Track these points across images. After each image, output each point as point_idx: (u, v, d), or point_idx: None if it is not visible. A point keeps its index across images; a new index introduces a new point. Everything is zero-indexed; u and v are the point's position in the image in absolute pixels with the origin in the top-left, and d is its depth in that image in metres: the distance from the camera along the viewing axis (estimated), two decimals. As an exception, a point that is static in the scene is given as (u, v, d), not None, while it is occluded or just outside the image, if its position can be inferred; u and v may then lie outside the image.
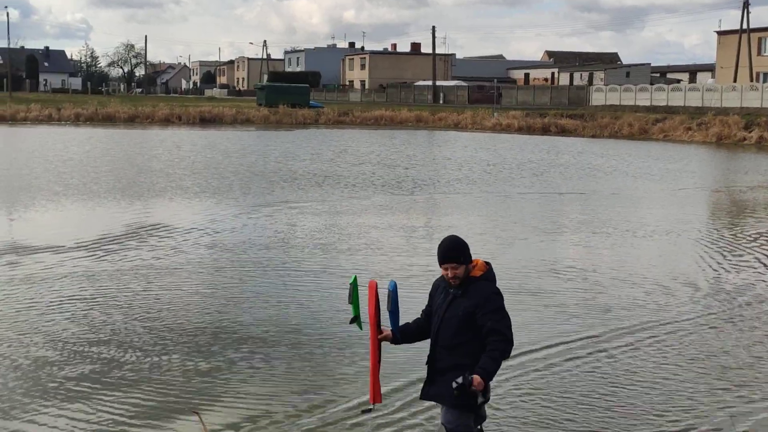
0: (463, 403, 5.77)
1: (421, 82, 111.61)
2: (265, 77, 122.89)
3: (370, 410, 6.22)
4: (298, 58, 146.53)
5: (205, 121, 69.62)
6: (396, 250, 16.16)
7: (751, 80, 72.45)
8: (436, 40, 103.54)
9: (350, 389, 8.56)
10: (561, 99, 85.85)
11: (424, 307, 6.27)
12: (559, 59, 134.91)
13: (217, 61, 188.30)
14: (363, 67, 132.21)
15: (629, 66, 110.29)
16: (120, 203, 22.03)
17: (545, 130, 64.44)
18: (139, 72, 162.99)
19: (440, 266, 5.98)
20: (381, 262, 14.90)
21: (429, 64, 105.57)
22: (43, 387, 8.53)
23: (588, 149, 46.61)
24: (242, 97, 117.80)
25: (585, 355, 9.82)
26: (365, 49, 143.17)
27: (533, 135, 61.47)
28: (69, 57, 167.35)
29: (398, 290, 5.97)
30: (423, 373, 6.24)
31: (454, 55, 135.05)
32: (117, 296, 12.21)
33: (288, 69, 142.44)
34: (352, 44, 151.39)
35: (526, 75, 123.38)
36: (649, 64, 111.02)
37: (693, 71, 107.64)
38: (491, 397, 6.24)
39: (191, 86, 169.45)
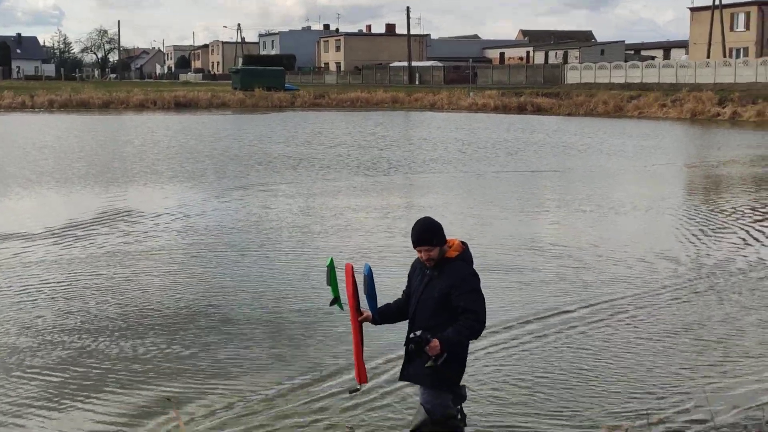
0: (438, 382, 5.78)
1: (396, 63, 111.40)
2: (240, 61, 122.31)
3: (357, 390, 6.25)
4: (272, 41, 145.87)
5: (181, 106, 69.21)
6: (373, 230, 16.16)
7: (724, 56, 72.81)
8: (410, 20, 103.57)
9: (332, 370, 8.52)
10: (536, 78, 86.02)
11: (404, 288, 6.27)
12: (534, 38, 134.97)
13: (191, 46, 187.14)
14: (338, 49, 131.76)
15: (603, 44, 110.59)
16: (93, 189, 21.89)
17: (521, 109, 64.55)
18: (113, 57, 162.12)
19: (414, 249, 5.99)
20: (358, 243, 14.91)
21: (404, 45, 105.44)
22: (14, 373, 8.48)
23: (563, 127, 46.73)
24: (217, 81, 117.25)
25: (566, 330, 9.86)
26: (340, 31, 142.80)
27: (509, 114, 61.55)
28: (42, 44, 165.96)
29: (376, 271, 6.00)
30: (402, 353, 6.25)
31: (429, 35, 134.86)
32: (90, 282, 12.14)
33: (263, 52, 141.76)
34: (326, 26, 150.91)
35: (502, 54, 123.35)
36: (623, 41, 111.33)
37: (667, 48, 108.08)
38: (470, 378, 6.24)
39: (166, 71, 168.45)
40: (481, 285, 6.02)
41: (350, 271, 6.00)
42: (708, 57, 72.89)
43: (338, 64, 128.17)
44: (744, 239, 15.34)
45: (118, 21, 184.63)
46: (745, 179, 24.87)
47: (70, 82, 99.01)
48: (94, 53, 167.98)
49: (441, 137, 39.75)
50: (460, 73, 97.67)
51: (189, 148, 33.53)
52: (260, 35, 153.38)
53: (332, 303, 6.14)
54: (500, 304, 10.63)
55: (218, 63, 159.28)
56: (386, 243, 14.96)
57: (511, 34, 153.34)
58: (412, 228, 6.01)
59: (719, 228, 16.57)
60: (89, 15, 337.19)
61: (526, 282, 12.21)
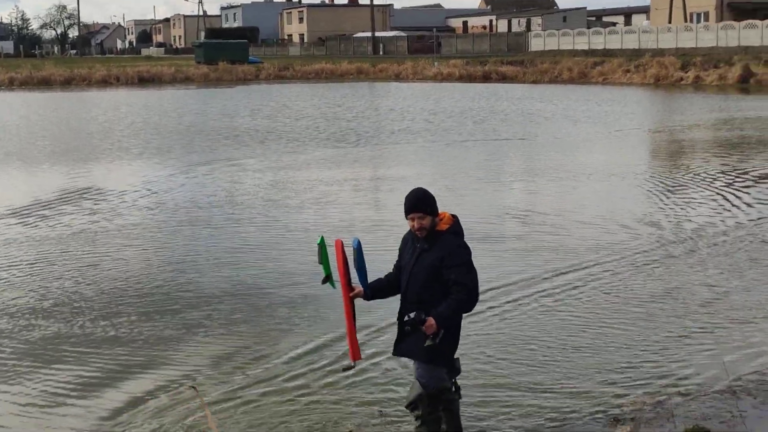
0: (433, 357, 5.82)
1: (360, 34, 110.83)
2: (203, 34, 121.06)
3: (351, 368, 6.26)
4: (234, 13, 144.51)
5: (144, 81, 68.58)
6: (347, 203, 16.21)
7: (686, 21, 73.09)
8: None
9: (318, 345, 8.57)
10: (500, 46, 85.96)
11: (395, 262, 6.26)
12: (497, 6, 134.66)
13: (152, 20, 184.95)
14: (301, 20, 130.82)
15: (565, 11, 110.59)
16: (58, 168, 21.71)
17: (486, 78, 64.57)
18: (73, 33, 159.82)
19: (406, 217, 5.98)
20: (333, 216, 14.93)
21: (367, 16, 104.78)
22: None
23: (529, 95, 46.87)
24: (180, 56, 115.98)
25: (545, 298, 9.98)
26: (303, 2, 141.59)
27: (474, 83, 61.55)
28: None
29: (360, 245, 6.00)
30: (394, 328, 6.24)
31: (392, 5, 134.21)
32: (63, 261, 12.08)
33: (225, 25, 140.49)
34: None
35: (465, 23, 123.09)
36: (585, 8, 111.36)
37: (628, 14, 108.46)
38: (462, 350, 6.26)
39: (127, 46, 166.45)
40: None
41: (340, 247, 5.99)
42: (669, 22, 73.13)
43: (302, 36, 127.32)
44: (720, 203, 15.57)
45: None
46: (711, 143, 25.17)
47: (29, 59, 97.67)
48: (54, 29, 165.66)
49: (408, 107, 39.74)
50: (424, 42, 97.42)
51: (154, 124, 33.27)
52: (222, 8, 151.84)
53: (324, 281, 6.12)
54: (483, 273, 10.71)
55: (180, 37, 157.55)
56: (364, 215, 15.03)
57: (474, 3, 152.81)
58: (406, 197, 6.00)
59: (694, 192, 16.80)
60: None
61: (508, 249, 12.33)
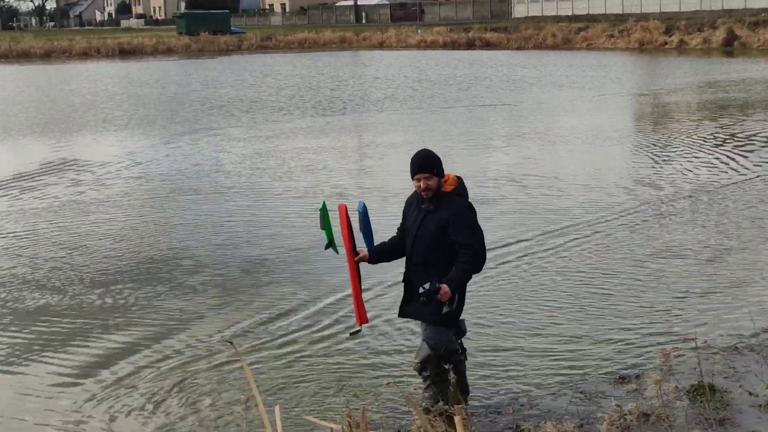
0: (440, 318, 5.78)
1: (342, 3, 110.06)
2: (183, 5, 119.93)
3: (357, 332, 6.21)
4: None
5: (125, 53, 67.92)
6: (337, 170, 16.14)
7: (669, -16, 72.93)
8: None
9: (318, 308, 8.56)
10: (483, 13, 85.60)
11: (399, 225, 6.22)
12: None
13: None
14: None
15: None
16: (43, 140, 21.51)
17: (470, 45, 64.23)
18: (51, 5, 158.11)
19: (412, 179, 5.92)
20: (324, 183, 14.88)
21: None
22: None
23: (513, 61, 46.70)
24: (161, 27, 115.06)
25: (551, 257, 10.00)
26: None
27: (458, 50, 61.27)
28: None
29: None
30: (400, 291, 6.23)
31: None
32: (54, 232, 11.98)
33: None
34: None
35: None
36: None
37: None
38: (467, 314, 6.26)
39: (106, 17, 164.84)
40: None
41: (344, 212, 5.93)
42: (653, -14, 72.97)
43: (283, 5, 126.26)
44: (712, 163, 15.64)
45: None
46: (699, 106, 25.15)
47: (8, 32, 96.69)
48: (31, 1, 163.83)
49: (392, 75, 39.53)
50: (407, 10, 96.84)
51: (136, 96, 32.99)
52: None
53: (327, 247, 6.05)
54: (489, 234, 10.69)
55: (160, 8, 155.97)
56: (356, 182, 14.98)
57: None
58: (412, 158, 5.95)
59: (688, 154, 16.82)
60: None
61: (503, 212, 12.31)
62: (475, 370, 6.75)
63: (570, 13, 72.23)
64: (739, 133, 19.24)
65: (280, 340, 7.76)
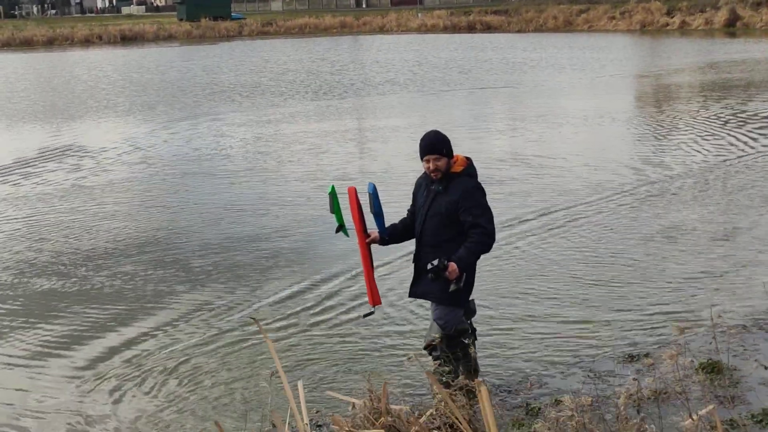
0: (449, 297, 5.77)
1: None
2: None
3: (371, 314, 6.20)
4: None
5: (127, 40, 67.70)
6: (340, 154, 16.09)
7: (671, -34, 72.60)
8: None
9: (330, 289, 8.58)
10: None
11: (409, 207, 6.22)
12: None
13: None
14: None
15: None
16: (46, 127, 21.45)
17: (471, 28, 64.01)
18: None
19: (422, 160, 5.92)
20: (328, 166, 14.85)
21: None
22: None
23: (514, 44, 46.52)
24: (161, 13, 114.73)
25: (561, 234, 9.97)
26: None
27: (459, 34, 61.07)
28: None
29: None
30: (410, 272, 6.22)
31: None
32: (60, 216, 11.97)
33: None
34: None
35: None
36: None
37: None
38: (476, 294, 6.24)
39: (107, 4, 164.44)
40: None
41: (354, 195, 5.92)
42: (654, -33, 72.63)
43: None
44: (719, 143, 15.59)
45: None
46: (702, 86, 25.03)
47: (10, 20, 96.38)
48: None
49: (393, 59, 39.38)
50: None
51: (138, 82, 32.87)
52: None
53: (338, 230, 6.06)
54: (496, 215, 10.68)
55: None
56: (359, 165, 14.94)
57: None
58: (421, 139, 5.94)
59: (691, 133, 16.77)
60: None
61: (513, 192, 12.30)
62: (484, 350, 6.72)
63: (571, -4, 71.87)
64: (742, 112, 19.16)
65: (291, 320, 7.76)
